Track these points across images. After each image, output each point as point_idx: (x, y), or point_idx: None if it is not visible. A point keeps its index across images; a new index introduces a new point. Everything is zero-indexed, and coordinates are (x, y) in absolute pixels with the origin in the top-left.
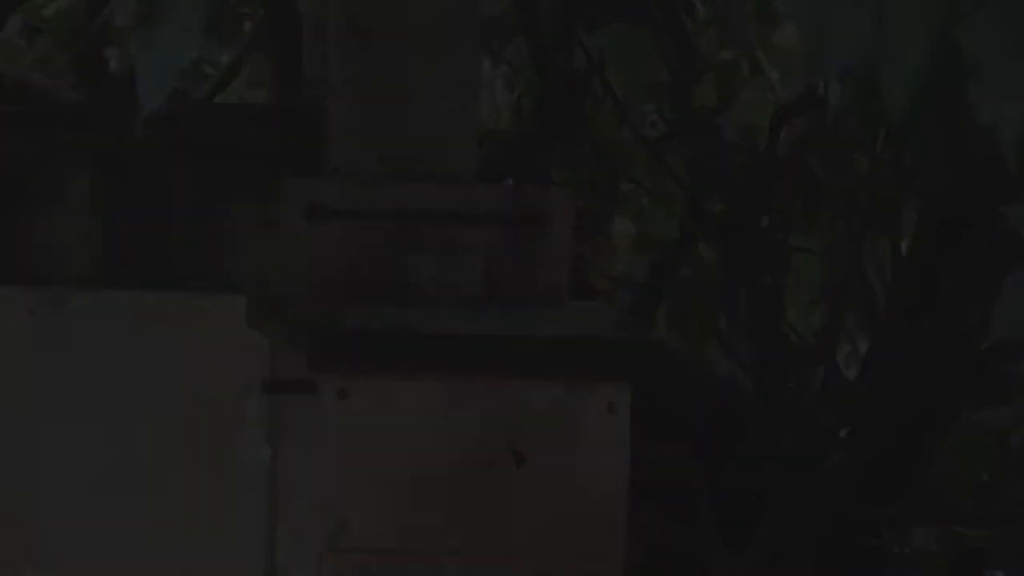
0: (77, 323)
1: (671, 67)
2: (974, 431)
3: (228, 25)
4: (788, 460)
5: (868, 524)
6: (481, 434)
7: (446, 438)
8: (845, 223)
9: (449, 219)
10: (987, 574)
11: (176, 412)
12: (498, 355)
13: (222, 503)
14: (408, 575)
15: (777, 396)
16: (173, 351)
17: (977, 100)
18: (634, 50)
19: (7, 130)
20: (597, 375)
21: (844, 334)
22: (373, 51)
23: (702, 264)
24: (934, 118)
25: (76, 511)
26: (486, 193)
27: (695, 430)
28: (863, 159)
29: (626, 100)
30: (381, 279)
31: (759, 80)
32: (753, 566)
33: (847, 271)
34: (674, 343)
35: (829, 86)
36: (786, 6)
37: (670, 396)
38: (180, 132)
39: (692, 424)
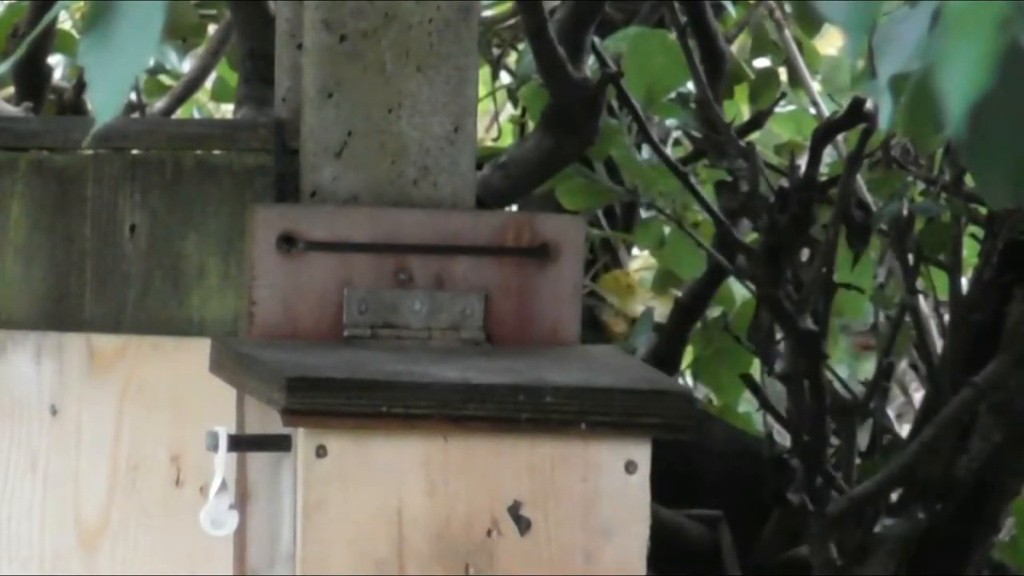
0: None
1: (697, 76)
2: None
3: (189, 30)
4: (831, 527)
5: None
6: (480, 496)
7: (439, 501)
8: (897, 255)
9: (443, 251)
10: None
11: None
12: (499, 407)
13: (182, 568)
14: None
15: (819, 454)
16: (128, 400)
17: None
18: (655, 56)
19: None
20: (613, 430)
21: (895, 383)
22: (355, 59)
23: (733, 303)
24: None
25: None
26: (485, 221)
27: (725, 493)
28: (917, 182)
29: (646, 113)
30: (365, 319)
31: (798, 92)
32: None
33: (899, 311)
34: (701, 393)
35: (879, 99)
36: (830, 9)
37: (696, 454)
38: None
39: (721, 486)
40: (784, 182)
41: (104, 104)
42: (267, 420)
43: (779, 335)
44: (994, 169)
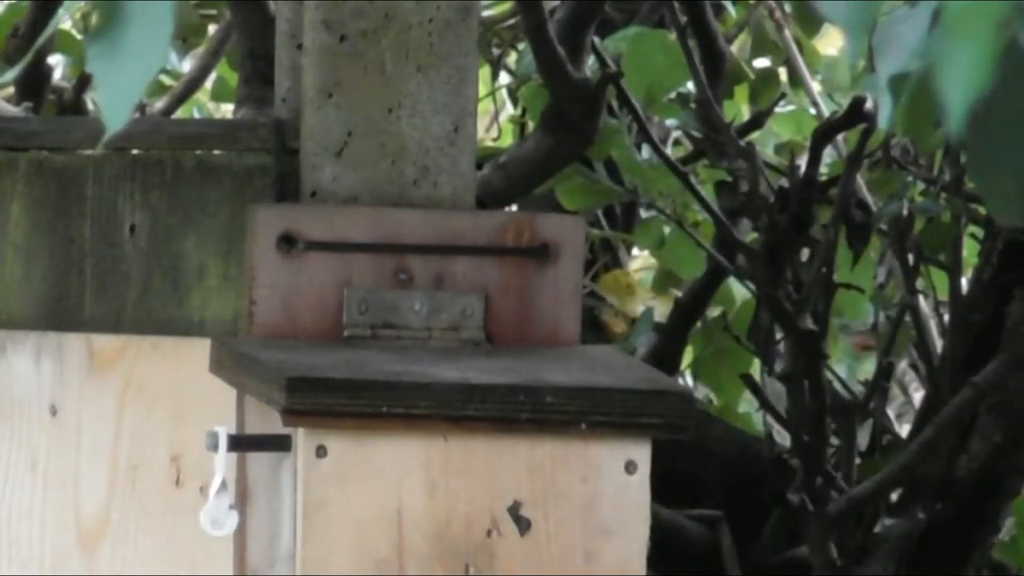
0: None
1: (697, 76)
2: None
3: (189, 30)
4: (831, 527)
5: None
6: (480, 496)
7: (439, 501)
8: (897, 255)
9: (443, 251)
10: None
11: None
12: (499, 407)
13: (182, 568)
14: None
15: (819, 454)
16: (128, 399)
17: None
18: (655, 56)
19: None
20: (613, 430)
21: (895, 383)
22: (355, 59)
23: (733, 303)
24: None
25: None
26: (485, 221)
27: (725, 493)
28: (917, 182)
29: (646, 113)
30: (365, 319)
31: (798, 92)
32: None
33: (899, 311)
34: (701, 393)
35: (879, 98)
36: (830, 9)
37: (696, 454)
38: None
39: (721, 486)
40: (784, 182)
41: (114, 111)
42: (267, 420)
43: (779, 335)
44: (1000, 183)
